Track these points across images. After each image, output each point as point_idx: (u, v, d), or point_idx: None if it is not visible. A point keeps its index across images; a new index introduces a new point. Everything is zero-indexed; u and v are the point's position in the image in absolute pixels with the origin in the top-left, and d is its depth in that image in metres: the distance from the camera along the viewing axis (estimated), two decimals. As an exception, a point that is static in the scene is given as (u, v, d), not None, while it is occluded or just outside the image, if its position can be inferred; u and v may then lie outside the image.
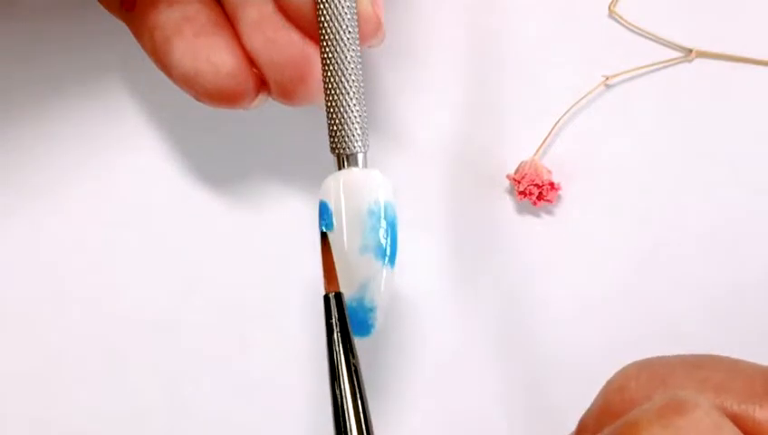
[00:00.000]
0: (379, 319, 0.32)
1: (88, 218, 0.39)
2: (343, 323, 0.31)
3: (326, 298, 0.31)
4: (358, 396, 0.30)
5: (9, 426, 0.38)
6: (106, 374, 0.38)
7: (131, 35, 0.34)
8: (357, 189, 0.31)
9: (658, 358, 0.29)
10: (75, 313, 0.38)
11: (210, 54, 0.32)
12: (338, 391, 0.30)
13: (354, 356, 0.30)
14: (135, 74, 0.39)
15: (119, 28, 0.35)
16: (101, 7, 0.35)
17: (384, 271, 0.31)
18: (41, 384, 0.38)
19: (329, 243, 0.31)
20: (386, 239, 0.31)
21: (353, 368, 0.30)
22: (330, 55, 0.31)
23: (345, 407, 0.30)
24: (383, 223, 0.31)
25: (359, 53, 0.31)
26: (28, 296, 0.38)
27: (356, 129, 0.31)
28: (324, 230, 0.31)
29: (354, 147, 0.31)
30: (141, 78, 0.39)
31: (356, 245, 0.31)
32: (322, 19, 0.31)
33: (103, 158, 0.39)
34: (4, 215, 0.39)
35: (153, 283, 0.38)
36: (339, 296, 0.31)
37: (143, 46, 0.33)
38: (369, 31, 0.32)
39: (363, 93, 0.31)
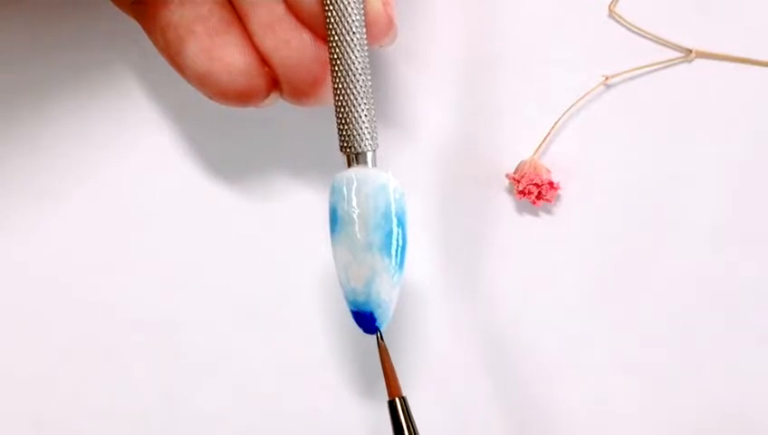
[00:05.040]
0: (385, 316, 0.32)
1: (89, 217, 0.39)
2: (410, 428, 0.31)
3: (391, 404, 0.32)
4: None
5: (9, 426, 0.38)
6: (106, 374, 0.38)
7: (141, 33, 0.34)
8: (364, 186, 0.31)
9: None
10: (76, 313, 0.38)
11: (224, 54, 0.32)
12: None
13: None
14: (143, 72, 0.39)
15: (129, 26, 0.35)
16: (111, 5, 0.35)
17: (391, 269, 0.32)
18: (41, 384, 0.38)
19: (385, 346, 0.32)
20: (392, 237, 0.31)
21: None
22: (337, 55, 0.31)
23: None
24: (390, 221, 0.31)
25: (366, 53, 0.31)
26: (28, 296, 0.38)
27: (364, 128, 0.31)
28: (379, 330, 0.32)
29: (363, 145, 0.31)
30: (149, 75, 0.39)
31: (362, 241, 0.31)
32: (330, 20, 0.31)
33: (106, 156, 0.39)
34: (4, 215, 0.39)
35: (154, 282, 0.38)
36: (404, 401, 0.32)
37: (155, 44, 0.34)
38: (381, 31, 0.32)
39: (371, 92, 0.32)
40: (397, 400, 0.32)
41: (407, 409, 0.32)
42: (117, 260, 0.38)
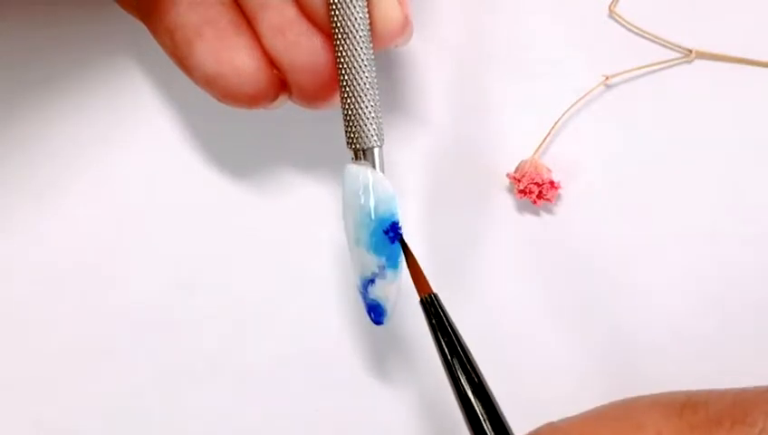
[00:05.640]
0: (384, 311, 0.32)
1: (90, 217, 0.39)
2: (441, 322, 0.31)
3: (421, 302, 0.31)
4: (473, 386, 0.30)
5: (9, 426, 0.38)
6: (106, 374, 0.38)
7: (144, 33, 0.34)
8: (353, 183, 0.32)
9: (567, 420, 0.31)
10: (76, 312, 0.38)
11: (232, 57, 0.32)
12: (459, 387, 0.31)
13: (464, 351, 0.31)
14: (146, 71, 0.39)
15: (132, 26, 0.35)
16: (115, 5, 0.35)
17: (383, 268, 0.32)
18: (41, 384, 0.38)
19: (409, 249, 0.32)
20: (378, 237, 0.32)
21: (465, 363, 0.30)
22: (342, 51, 0.31)
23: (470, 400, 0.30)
24: (373, 220, 0.32)
25: (371, 49, 0.32)
26: (28, 295, 0.38)
27: (370, 124, 0.32)
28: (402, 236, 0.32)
29: (369, 142, 0.32)
30: (152, 75, 0.39)
31: (352, 237, 0.32)
32: (334, 16, 0.31)
33: (110, 155, 0.39)
34: (4, 214, 0.39)
35: (155, 280, 0.38)
36: (432, 298, 0.31)
37: (161, 46, 0.34)
38: (397, 30, 0.32)
39: (377, 89, 0.32)
40: (425, 298, 0.31)
41: (439, 304, 0.31)
42: (118, 259, 0.38)
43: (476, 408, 0.30)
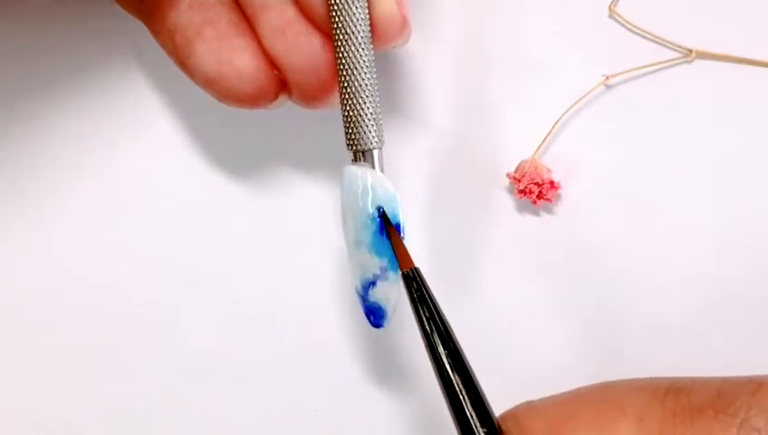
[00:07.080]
0: (384, 314, 0.32)
1: (92, 217, 0.39)
2: (422, 296, 0.31)
3: (404, 277, 0.31)
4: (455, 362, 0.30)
5: (10, 426, 0.38)
6: (107, 374, 0.38)
7: (145, 33, 0.34)
8: (353, 184, 0.32)
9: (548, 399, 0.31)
10: (77, 312, 0.38)
11: (232, 57, 0.32)
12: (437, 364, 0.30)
13: (444, 325, 0.30)
14: (147, 71, 0.39)
15: (133, 26, 0.35)
16: (116, 6, 0.35)
17: (385, 270, 0.32)
18: (42, 384, 0.38)
19: (392, 225, 0.32)
20: (378, 237, 0.32)
21: (444, 336, 0.30)
22: (343, 54, 0.31)
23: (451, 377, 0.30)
24: (375, 221, 0.32)
25: (371, 51, 0.32)
26: (30, 296, 0.38)
27: (370, 126, 0.32)
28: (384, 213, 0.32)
29: (369, 143, 0.32)
30: (153, 75, 0.39)
31: (351, 238, 0.32)
32: (335, 18, 0.31)
33: (111, 155, 0.39)
34: (6, 214, 0.39)
35: (156, 281, 0.38)
36: (414, 272, 0.31)
37: (162, 46, 0.34)
38: (396, 31, 0.32)
39: (377, 91, 0.32)
40: (408, 273, 0.31)
41: (421, 278, 0.31)
42: (119, 259, 0.38)
43: (454, 381, 0.30)
